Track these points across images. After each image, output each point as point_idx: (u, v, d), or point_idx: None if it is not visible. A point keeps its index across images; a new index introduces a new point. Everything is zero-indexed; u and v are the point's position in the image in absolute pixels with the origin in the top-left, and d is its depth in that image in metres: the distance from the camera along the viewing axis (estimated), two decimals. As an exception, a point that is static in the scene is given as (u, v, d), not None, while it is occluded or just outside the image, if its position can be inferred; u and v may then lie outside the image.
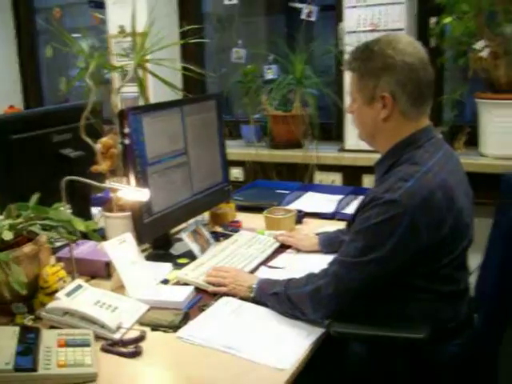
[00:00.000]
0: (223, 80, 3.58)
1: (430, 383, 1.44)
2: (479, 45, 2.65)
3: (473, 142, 2.85)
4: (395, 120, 1.48)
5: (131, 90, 2.59)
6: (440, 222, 1.38)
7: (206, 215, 2.23)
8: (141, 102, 2.21)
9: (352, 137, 2.97)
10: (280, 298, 1.49)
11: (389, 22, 2.77)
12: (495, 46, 2.64)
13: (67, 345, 1.33)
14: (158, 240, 1.95)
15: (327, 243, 1.93)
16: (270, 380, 1.23)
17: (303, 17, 3.22)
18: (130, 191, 1.63)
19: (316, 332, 1.42)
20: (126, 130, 1.63)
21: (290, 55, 3.10)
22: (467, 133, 2.89)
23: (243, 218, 2.30)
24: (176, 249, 2.00)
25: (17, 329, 1.36)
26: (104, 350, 1.37)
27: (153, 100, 2.40)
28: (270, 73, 3.40)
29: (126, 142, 1.64)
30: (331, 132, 3.22)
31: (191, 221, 2.08)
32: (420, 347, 1.37)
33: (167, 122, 1.85)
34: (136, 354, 1.35)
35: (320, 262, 1.65)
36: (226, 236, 2.09)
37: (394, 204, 1.35)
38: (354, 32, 2.85)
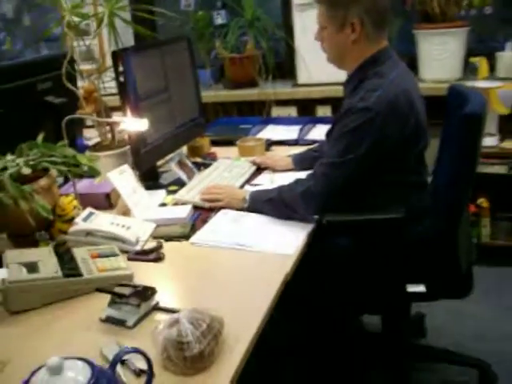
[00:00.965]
0: (174, 28, 3.71)
1: (403, 258, 1.72)
2: (415, -21, 2.91)
3: (413, 68, 3.14)
4: (362, 42, 1.74)
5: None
6: (405, 122, 1.66)
7: (184, 149, 2.42)
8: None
9: (304, 72, 3.21)
10: (274, 202, 1.73)
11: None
12: (429, -21, 2.91)
13: (99, 256, 1.52)
14: (147, 172, 2.13)
15: (300, 161, 2.17)
16: (280, 264, 1.47)
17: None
18: (131, 122, 1.81)
19: (309, 225, 1.68)
20: (121, 69, 1.80)
21: (241, -1, 3.28)
22: (407, 61, 3.17)
23: (216, 150, 2.51)
24: (164, 179, 2.20)
25: (50, 248, 1.55)
26: (130, 259, 1.58)
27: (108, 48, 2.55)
28: (220, 18, 3.57)
29: (121, 79, 1.81)
30: (284, 70, 3.44)
31: (172, 154, 2.27)
32: (396, 227, 1.65)
33: (150, 62, 2.03)
34: (159, 259, 1.57)
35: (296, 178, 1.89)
36: (206, 165, 2.30)
37: (366, 110, 1.62)
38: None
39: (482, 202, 2.92)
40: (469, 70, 3.03)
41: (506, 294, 2.73)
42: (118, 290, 1.31)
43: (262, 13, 3.29)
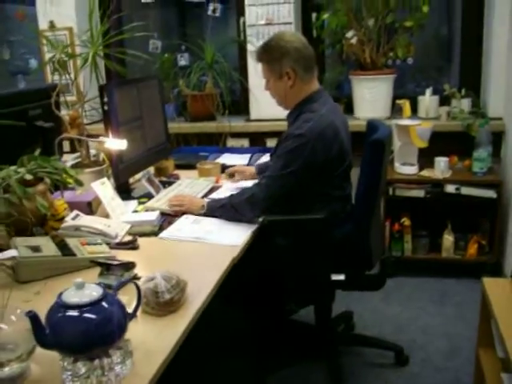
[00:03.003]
0: (141, 67, 4.18)
1: (328, 253, 2.18)
2: (349, 34, 3.46)
3: (349, 108, 3.68)
4: (297, 85, 2.24)
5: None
6: (330, 147, 2.15)
7: (151, 169, 2.85)
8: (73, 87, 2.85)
9: (256, 109, 3.72)
10: (226, 208, 2.18)
11: (280, 17, 3.53)
12: (361, 34, 3.46)
13: (88, 244, 1.94)
14: (121, 186, 2.55)
15: (262, 170, 2.62)
16: (229, 252, 1.91)
17: (209, 13, 3.90)
18: (114, 142, 2.24)
19: (253, 226, 2.13)
20: (106, 100, 2.24)
21: (202, 44, 3.78)
22: (345, 102, 3.71)
23: (179, 172, 2.95)
24: (135, 193, 2.62)
25: (48, 238, 1.95)
26: (112, 248, 1.99)
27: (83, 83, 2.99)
28: (183, 60, 4.07)
29: (106, 108, 2.25)
30: (238, 106, 3.94)
31: (141, 173, 2.70)
32: (320, 227, 2.12)
33: (128, 95, 2.47)
34: (135, 248, 1.99)
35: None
36: (170, 183, 2.73)
37: (301, 136, 2.11)
38: (254, 25, 3.58)
39: (405, 221, 3.43)
40: (395, 110, 3.58)
41: (422, 299, 3.21)
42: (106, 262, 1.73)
43: (221, 57, 3.80)
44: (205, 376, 2.49)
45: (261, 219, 2.14)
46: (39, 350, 1.26)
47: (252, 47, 3.60)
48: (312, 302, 2.47)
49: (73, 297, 1.20)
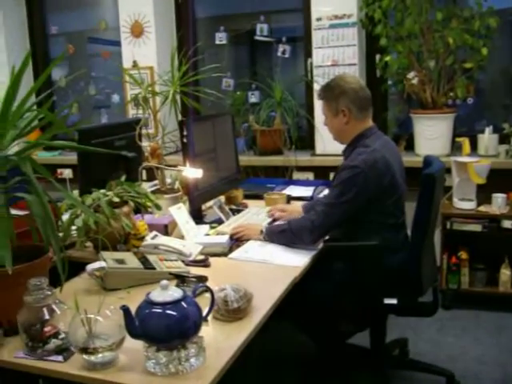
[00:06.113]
0: (215, 104, 4.49)
1: (383, 279, 2.34)
2: (411, 75, 3.65)
3: (411, 145, 3.85)
4: (352, 123, 2.46)
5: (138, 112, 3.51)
6: (382, 177, 2.34)
7: (222, 197, 3.10)
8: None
9: (320, 145, 3.93)
10: (285, 233, 2.39)
11: (345, 59, 3.77)
12: (422, 75, 3.65)
13: (165, 260, 2.19)
14: (195, 212, 2.81)
15: (309, 209, 2.82)
16: (291, 272, 2.12)
17: (279, 54, 4.19)
18: (190, 171, 2.51)
19: (313, 250, 2.33)
20: (185, 133, 2.51)
21: (271, 82, 4.05)
22: (406, 139, 3.89)
23: (247, 201, 3.19)
24: (207, 218, 2.87)
25: (131, 253, 2.21)
26: (187, 264, 2.23)
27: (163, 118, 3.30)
28: (253, 97, 4.36)
29: (185, 140, 2.52)
30: (304, 142, 4.18)
31: (213, 200, 2.95)
32: (374, 253, 2.30)
33: (204, 129, 2.75)
34: (207, 265, 2.23)
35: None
36: (239, 211, 2.97)
37: (355, 167, 2.31)
38: (320, 66, 3.82)
39: (462, 254, 3.53)
40: (455, 147, 3.72)
41: (478, 331, 3.30)
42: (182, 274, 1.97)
43: (289, 95, 4.07)
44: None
45: (320, 245, 2.33)
46: (126, 343, 1.50)
47: (318, 86, 3.83)
48: (366, 325, 2.63)
49: (158, 296, 1.44)
